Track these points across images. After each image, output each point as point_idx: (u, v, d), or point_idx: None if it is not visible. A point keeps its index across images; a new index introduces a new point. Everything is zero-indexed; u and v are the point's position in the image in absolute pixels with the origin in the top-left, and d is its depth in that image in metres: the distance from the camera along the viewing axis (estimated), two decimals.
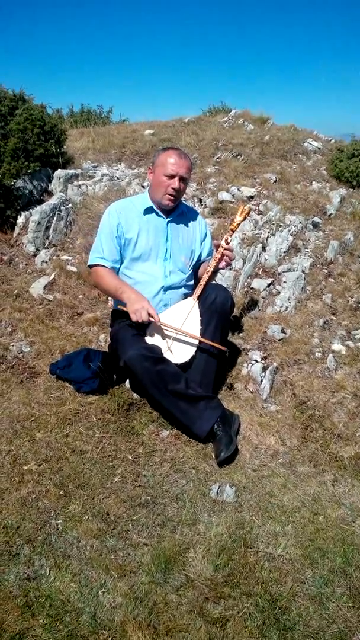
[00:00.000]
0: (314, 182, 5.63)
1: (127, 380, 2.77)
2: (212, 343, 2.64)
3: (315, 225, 4.85)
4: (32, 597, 1.74)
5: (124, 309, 2.59)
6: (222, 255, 2.71)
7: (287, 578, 1.93)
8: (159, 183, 2.73)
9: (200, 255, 2.98)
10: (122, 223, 2.76)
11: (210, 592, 1.83)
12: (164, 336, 2.69)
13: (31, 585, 1.78)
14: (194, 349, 2.67)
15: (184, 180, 2.75)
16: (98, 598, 1.78)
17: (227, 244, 2.74)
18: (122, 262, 2.82)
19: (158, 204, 2.80)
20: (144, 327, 2.70)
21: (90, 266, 2.81)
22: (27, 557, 1.88)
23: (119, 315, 2.77)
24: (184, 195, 3.84)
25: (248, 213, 2.93)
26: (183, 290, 2.90)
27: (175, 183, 2.70)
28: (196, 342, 2.67)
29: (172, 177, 2.70)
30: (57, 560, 1.89)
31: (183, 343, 2.68)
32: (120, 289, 2.64)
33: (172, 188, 2.70)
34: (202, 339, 2.64)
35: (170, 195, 2.72)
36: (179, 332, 2.65)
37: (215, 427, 2.51)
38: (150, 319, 2.53)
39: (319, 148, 6.50)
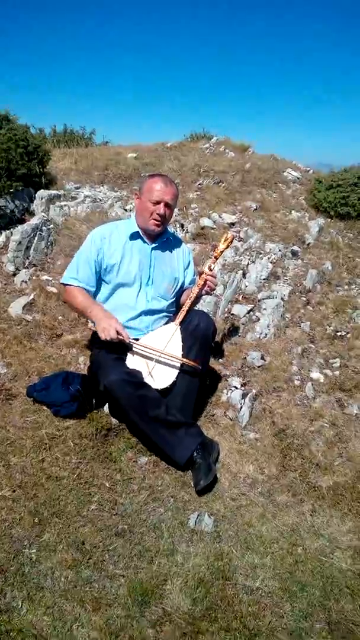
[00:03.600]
0: (293, 211, 5.72)
1: (106, 405, 2.73)
2: (189, 361, 2.63)
3: (294, 254, 4.92)
4: (2, 630, 1.68)
5: (93, 328, 2.58)
6: (205, 281, 2.73)
7: (266, 612, 1.91)
8: (145, 208, 2.74)
9: (183, 282, 2.99)
10: (104, 249, 2.76)
11: (187, 627, 1.79)
12: (145, 361, 2.66)
13: (2, 618, 1.72)
14: (175, 374, 2.66)
15: (169, 206, 2.77)
16: (72, 632, 1.73)
17: (210, 270, 2.76)
18: (99, 288, 2.83)
19: (144, 229, 2.81)
20: (125, 351, 2.68)
21: (63, 284, 2.83)
22: None
23: (100, 338, 2.74)
24: None
25: (231, 241, 2.96)
26: (165, 315, 2.90)
27: (161, 209, 2.72)
28: (177, 367, 2.65)
29: (157, 203, 2.72)
30: (30, 592, 1.82)
31: (164, 368, 2.66)
32: (90, 307, 2.65)
33: (158, 214, 2.72)
34: (182, 359, 2.63)
35: (155, 220, 2.74)
36: (161, 355, 2.64)
37: (195, 454, 2.48)
38: (119, 337, 2.51)
39: (298, 178, 6.62)
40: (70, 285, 2.76)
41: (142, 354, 2.68)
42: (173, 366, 2.67)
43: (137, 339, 2.71)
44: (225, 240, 2.93)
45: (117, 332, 2.51)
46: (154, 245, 2.86)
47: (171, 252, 2.97)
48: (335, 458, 2.77)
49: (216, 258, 2.89)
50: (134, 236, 2.84)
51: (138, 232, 2.83)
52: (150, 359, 2.67)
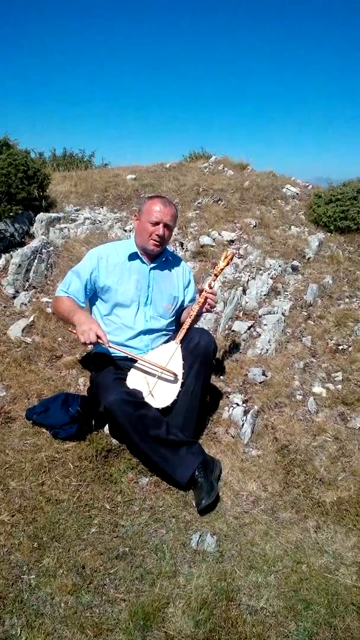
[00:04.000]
0: (292, 227, 5.74)
1: (106, 426, 2.72)
2: (170, 370, 2.64)
3: (295, 269, 4.92)
4: None
5: (74, 331, 2.59)
6: (206, 299, 2.74)
7: (271, 632, 1.87)
8: (144, 230, 2.77)
9: (183, 301, 3.00)
10: (100, 268, 2.78)
11: None
12: (145, 380, 2.66)
13: None
14: (176, 392, 2.64)
15: (168, 227, 2.79)
16: None
17: (211, 288, 2.77)
18: (92, 304, 2.88)
19: (143, 250, 2.83)
20: (125, 371, 2.68)
21: (55, 297, 2.87)
22: None
23: (99, 359, 2.75)
24: None
25: (231, 258, 2.97)
26: (164, 334, 2.90)
27: (160, 230, 2.74)
28: (178, 386, 2.64)
29: (156, 224, 2.74)
30: (29, 618, 1.79)
31: (165, 387, 2.66)
32: (73, 312, 2.66)
33: (157, 235, 2.74)
34: (165, 368, 2.64)
35: (155, 241, 2.76)
36: (162, 372, 2.63)
37: (196, 473, 2.45)
38: (99, 340, 2.51)
39: (297, 193, 6.65)
40: (59, 295, 2.81)
41: (143, 373, 2.68)
42: (174, 385, 2.66)
43: (141, 356, 2.71)
44: (225, 258, 2.94)
45: (98, 337, 2.51)
46: (152, 265, 2.88)
47: (170, 271, 2.98)
48: (338, 473, 2.73)
49: (216, 275, 2.91)
50: (132, 257, 2.85)
51: (137, 252, 2.85)
52: (151, 377, 2.66)
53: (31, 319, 3.49)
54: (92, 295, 2.85)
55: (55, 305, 2.86)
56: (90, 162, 8.53)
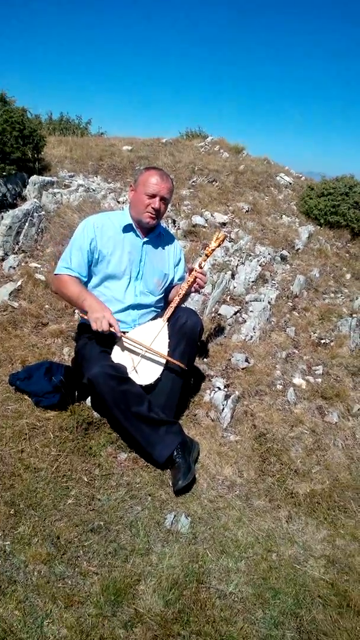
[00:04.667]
0: (284, 216, 5.74)
1: (89, 398, 2.70)
2: (175, 361, 2.61)
3: (283, 258, 4.93)
4: None
5: (85, 317, 2.55)
6: (195, 278, 2.71)
7: (238, 617, 1.90)
8: (140, 201, 2.70)
9: (172, 279, 2.96)
10: (97, 238, 2.71)
11: (159, 629, 1.77)
12: (130, 356, 2.64)
13: None
14: (160, 371, 2.64)
15: (164, 200, 2.74)
16: (42, 629, 1.69)
17: (201, 268, 2.74)
18: (90, 278, 2.78)
19: (138, 222, 2.77)
20: (111, 344, 2.65)
21: (56, 275, 2.74)
22: None
23: (86, 330, 2.71)
24: None
25: (223, 240, 2.94)
26: (152, 310, 2.87)
27: (156, 203, 2.69)
28: (162, 364, 2.64)
29: (153, 196, 2.68)
30: (2, 585, 1.79)
31: (149, 364, 2.64)
32: (83, 296, 2.59)
33: (153, 207, 2.68)
34: (168, 358, 2.61)
35: (150, 214, 2.70)
36: (147, 350, 2.61)
37: (175, 453, 2.46)
38: (111, 329, 2.47)
39: (290, 183, 6.65)
40: (63, 274, 2.69)
41: (128, 349, 2.66)
42: (158, 363, 2.65)
43: (124, 332, 2.68)
44: (216, 239, 2.91)
45: (110, 325, 2.47)
46: (145, 239, 2.83)
47: (163, 247, 2.94)
48: (313, 465, 2.78)
49: (207, 256, 2.87)
50: (126, 229, 2.79)
51: (131, 224, 2.79)
52: (136, 354, 2.64)
53: (19, 283, 3.42)
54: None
55: (59, 286, 2.72)
56: (86, 130, 8.34)
